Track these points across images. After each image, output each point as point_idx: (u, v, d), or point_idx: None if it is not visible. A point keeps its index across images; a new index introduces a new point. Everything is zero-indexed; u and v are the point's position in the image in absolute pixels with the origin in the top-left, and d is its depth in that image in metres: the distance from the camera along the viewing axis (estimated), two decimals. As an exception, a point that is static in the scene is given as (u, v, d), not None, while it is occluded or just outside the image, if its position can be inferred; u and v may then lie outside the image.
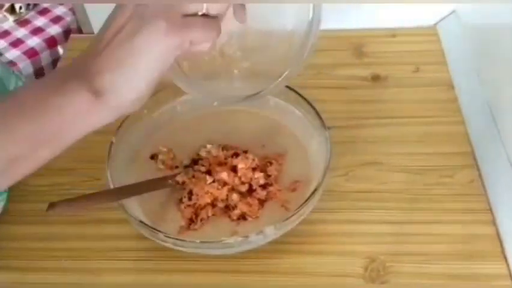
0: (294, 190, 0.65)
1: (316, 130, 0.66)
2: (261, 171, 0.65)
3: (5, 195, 0.68)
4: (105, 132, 0.65)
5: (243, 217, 0.63)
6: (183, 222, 0.63)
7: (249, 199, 0.63)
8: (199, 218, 0.63)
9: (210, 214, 0.63)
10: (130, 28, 0.44)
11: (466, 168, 0.70)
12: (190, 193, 0.64)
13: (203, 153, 0.68)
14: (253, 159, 0.65)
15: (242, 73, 0.61)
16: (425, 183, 0.69)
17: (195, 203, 0.63)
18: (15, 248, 0.67)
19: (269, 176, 0.65)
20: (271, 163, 0.67)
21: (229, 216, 0.63)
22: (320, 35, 0.90)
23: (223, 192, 0.63)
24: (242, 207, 0.63)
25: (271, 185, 0.65)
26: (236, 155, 0.66)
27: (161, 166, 0.68)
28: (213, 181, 0.64)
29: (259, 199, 0.64)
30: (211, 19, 0.46)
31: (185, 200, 0.64)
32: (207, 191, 0.64)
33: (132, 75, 0.44)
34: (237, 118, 0.72)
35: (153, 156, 0.69)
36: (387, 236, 0.64)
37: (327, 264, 0.62)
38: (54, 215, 0.57)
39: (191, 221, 0.63)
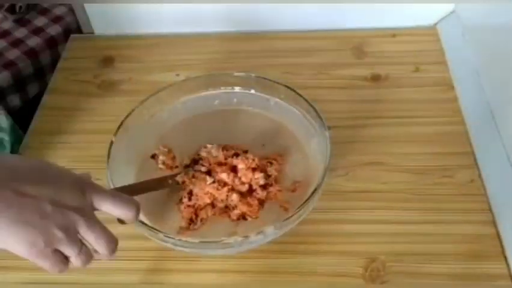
0: (294, 191, 0.65)
1: (317, 130, 0.66)
2: (261, 172, 0.65)
3: None
4: (105, 132, 0.66)
5: (243, 217, 0.63)
6: (183, 223, 0.63)
7: (249, 199, 0.63)
8: (199, 218, 0.63)
9: (209, 214, 0.63)
10: (29, 207, 0.44)
11: (466, 168, 0.70)
12: (190, 193, 0.64)
13: (203, 153, 0.68)
14: (253, 160, 0.65)
15: None
16: (425, 183, 0.69)
17: (194, 204, 0.63)
18: (15, 248, 0.67)
19: (269, 176, 0.65)
20: (271, 163, 0.67)
21: (229, 216, 0.63)
22: (320, 35, 0.90)
23: (223, 193, 0.63)
24: (242, 208, 0.63)
25: (271, 185, 0.65)
26: (236, 155, 0.66)
27: (162, 166, 0.68)
28: (213, 181, 0.64)
29: (259, 199, 0.64)
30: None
31: (185, 200, 0.64)
32: (206, 191, 0.64)
33: None
34: (237, 118, 0.72)
35: (153, 156, 0.69)
36: (387, 236, 0.64)
37: (327, 264, 0.62)
38: None
39: (191, 221, 0.63)
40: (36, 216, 0.45)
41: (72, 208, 0.46)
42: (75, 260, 0.48)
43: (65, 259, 0.47)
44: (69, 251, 0.47)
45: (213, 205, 0.64)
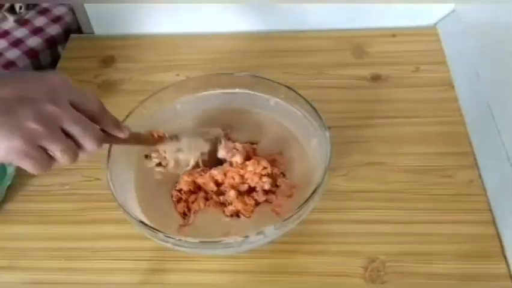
0: (290, 196, 0.65)
1: (316, 130, 0.66)
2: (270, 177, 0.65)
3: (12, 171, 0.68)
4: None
5: (236, 214, 0.63)
6: (180, 220, 0.63)
7: (245, 198, 0.63)
8: (192, 211, 0.63)
9: (201, 206, 0.64)
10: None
11: (466, 168, 0.70)
12: (180, 189, 0.65)
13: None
14: (265, 167, 0.65)
15: None
16: (425, 183, 0.69)
17: (186, 198, 0.64)
18: (16, 248, 0.67)
19: (277, 186, 0.65)
20: (276, 167, 0.66)
21: (224, 212, 0.63)
22: (320, 35, 0.90)
23: (208, 183, 0.64)
24: (237, 205, 0.63)
25: (273, 193, 0.65)
26: (248, 158, 0.66)
27: (158, 169, 0.68)
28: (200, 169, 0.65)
29: (255, 200, 0.64)
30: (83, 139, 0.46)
31: (174, 192, 0.64)
32: (189, 179, 0.64)
33: None
34: (237, 118, 0.72)
35: (146, 156, 0.68)
36: (387, 236, 0.64)
37: (327, 264, 0.62)
38: None
39: (184, 215, 0.63)
40: (7, 117, 0.42)
41: (47, 99, 0.44)
42: (60, 156, 0.45)
43: (50, 157, 0.45)
44: (52, 146, 0.44)
45: (206, 198, 0.64)
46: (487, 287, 0.60)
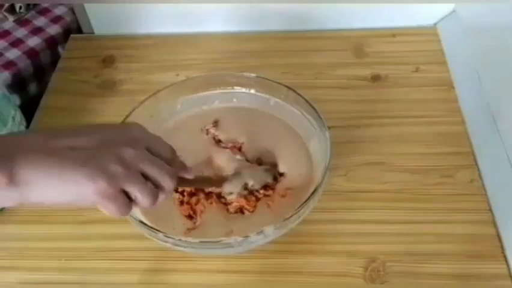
0: (283, 196, 0.65)
1: (316, 130, 0.66)
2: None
3: None
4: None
5: (240, 211, 0.63)
6: (186, 222, 0.63)
7: (247, 196, 0.64)
8: (198, 213, 0.63)
9: (206, 205, 0.64)
10: (81, 154, 0.44)
11: (466, 168, 0.70)
12: (182, 191, 0.65)
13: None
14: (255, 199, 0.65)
15: None
16: (425, 183, 0.69)
17: (188, 200, 0.64)
18: (16, 248, 0.67)
19: (272, 189, 0.65)
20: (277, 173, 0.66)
21: (227, 210, 0.64)
22: (320, 35, 0.90)
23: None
24: (240, 201, 0.63)
25: (273, 189, 0.65)
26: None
27: None
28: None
29: (256, 197, 0.64)
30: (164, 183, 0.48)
31: (176, 195, 0.65)
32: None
33: (53, 191, 0.44)
34: (236, 118, 0.72)
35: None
36: (387, 236, 0.64)
37: (327, 264, 0.62)
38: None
39: (191, 218, 0.63)
40: (91, 160, 0.44)
41: (125, 144, 0.46)
42: (140, 196, 0.46)
43: (130, 200, 0.46)
44: (133, 187, 0.45)
45: (207, 197, 0.64)
46: (487, 287, 0.60)
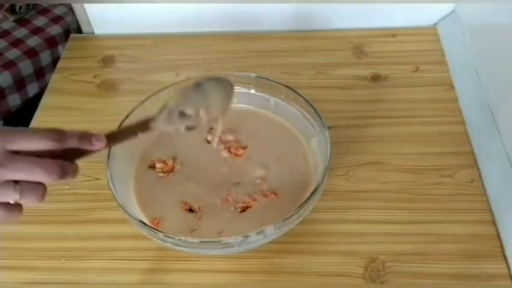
0: (266, 196, 0.65)
1: (316, 130, 0.66)
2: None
3: None
4: (105, 132, 0.66)
5: (247, 208, 0.64)
6: (183, 219, 0.63)
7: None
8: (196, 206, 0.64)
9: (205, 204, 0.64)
10: None
11: (466, 168, 0.70)
12: None
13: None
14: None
15: None
16: (425, 183, 0.69)
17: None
18: (15, 248, 0.67)
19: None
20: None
21: (234, 208, 0.64)
22: (320, 35, 0.90)
23: None
24: (243, 198, 0.64)
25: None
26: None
27: (161, 174, 0.68)
28: None
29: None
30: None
31: (183, 206, 0.65)
32: None
33: None
34: (236, 118, 0.72)
35: (150, 167, 0.69)
36: (387, 236, 0.64)
37: (327, 264, 0.62)
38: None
39: (192, 211, 0.63)
40: None
41: None
42: (23, 201, 0.45)
43: (12, 206, 0.45)
44: (6, 197, 0.44)
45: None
46: (487, 287, 0.60)
